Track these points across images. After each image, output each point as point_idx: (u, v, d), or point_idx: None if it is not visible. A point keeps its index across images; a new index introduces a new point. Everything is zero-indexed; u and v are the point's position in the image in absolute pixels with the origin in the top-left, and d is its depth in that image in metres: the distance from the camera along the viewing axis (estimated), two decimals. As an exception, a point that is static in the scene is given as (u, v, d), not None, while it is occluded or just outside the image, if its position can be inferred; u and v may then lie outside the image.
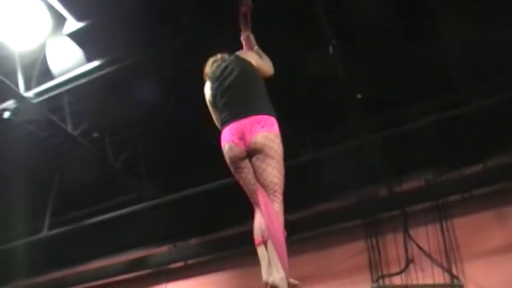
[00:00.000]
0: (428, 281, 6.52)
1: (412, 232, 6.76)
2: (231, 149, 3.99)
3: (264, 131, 3.87)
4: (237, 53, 4.40)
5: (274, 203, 3.83)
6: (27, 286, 9.41)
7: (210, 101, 4.32)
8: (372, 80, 6.12)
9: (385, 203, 6.92)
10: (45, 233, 8.11)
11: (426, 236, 6.73)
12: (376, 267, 6.89)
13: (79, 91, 6.29)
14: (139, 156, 7.52)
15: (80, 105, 6.66)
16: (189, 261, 7.98)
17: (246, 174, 4.05)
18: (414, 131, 6.35)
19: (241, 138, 3.92)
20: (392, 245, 6.88)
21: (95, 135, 7.11)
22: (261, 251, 3.88)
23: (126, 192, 7.85)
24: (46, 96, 6.21)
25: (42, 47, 5.99)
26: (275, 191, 3.85)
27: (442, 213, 6.82)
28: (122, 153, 7.34)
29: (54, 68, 6.06)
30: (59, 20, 5.56)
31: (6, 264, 8.60)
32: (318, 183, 6.90)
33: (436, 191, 6.72)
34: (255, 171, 3.95)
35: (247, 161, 3.97)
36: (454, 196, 6.81)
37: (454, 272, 6.45)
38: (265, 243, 3.84)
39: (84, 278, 8.95)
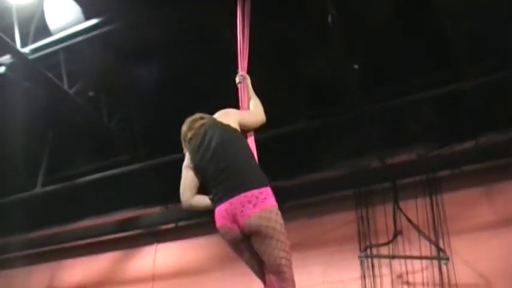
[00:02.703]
0: (415, 253, 6.61)
1: (401, 205, 6.82)
2: (225, 233, 3.68)
3: (257, 211, 3.49)
4: (215, 115, 3.98)
5: (282, 283, 3.54)
6: (19, 242, 9.49)
7: (187, 167, 3.89)
8: (369, 52, 6.11)
9: (376, 174, 6.97)
10: (38, 190, 8.16)
11: (415, 209, 6.80)
12: (364, 237, 6.98)
13: (76, 49, 6.26)
14: (134, 118, 7.51)
15: (76, 64, 6.63)
16: (180, 224, 8.05)
17: (247, 258, 3.78)
18: (409, 105, 6.37)
19: (234, 221, 3.59)
20: (382, 216, 6.96)
21: (91, 94, 7.10)
22: None
23: (119, 153, 7.88)
24: (42, 52, 6.17)
25: (40, 2, 5.93)
26: (281, 271, 3.55)
27: (432, 187, 6.88)
28: (117, 113, 7.34)
29: (51, 24, 6.01)
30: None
31: (-2, 219, 8.68)
32: (311, 153, 6.94)
33: (427, 166, 6.77)
34: (257, 253, 3.64)
35: (246, 242, 3.65)
36: (444, 171, 6.87)
37: (441, 245, 6.52)
38: None
39: (75, 235, 9.03)
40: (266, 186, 3.61)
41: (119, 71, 6.58)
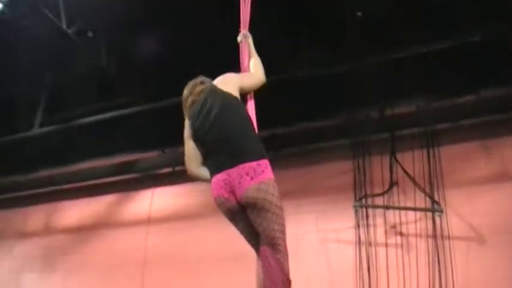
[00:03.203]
0: (410, 204, 6.66)
1: (398, 156, 6.83)
2: (222, 203, 3.71)
3: (255, 184, 3.52)
4: (215, 82, 3.92)
5: (276, 255, 3.62)
6: (16, 183, 9.53)
7: (189, 137, 3.89)
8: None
9: (375, 125, 6.93)
10: (36, 130, 8.15)
11: (412, 161, 6.81)
12: (360, 187, 7.01)
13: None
14: (134, 59, 7.43)
15: (75, 2, 6.51)
16: (177, 168, 8.05)
17: (242, 227, 3.82)
18: (411, 56, 6.30)
19: (231, 192, 3.63)
20: (378, 167, 6.98)
21: (90, 34, 7.00)
22: None
23: (118, 95, 7.82)
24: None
25: None
26: (275, 243, 3.62)
27: (430, 140, 6.88)
28: (116, 55, 7.25)
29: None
30: None
31: (-4, 159, 8.69)
32: (311, 101, 6.88)
33: (426, 118, 6.73)
34: (252, 224, 3.68)
35: (242, 213, 3.69)
36: (443, 124, 6.85)
37: (436, 198, 6.56)
38: None
39: (72, 178, 9.06)
40: (264, 158, 3.63)
41: (119, 10, 6.46)
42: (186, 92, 3.97)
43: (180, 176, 8.09)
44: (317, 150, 7.47)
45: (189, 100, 3.90)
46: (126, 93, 7.60)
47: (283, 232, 3.63)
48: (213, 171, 3.74)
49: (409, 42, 6.25)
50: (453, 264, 6.31)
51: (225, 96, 3.79)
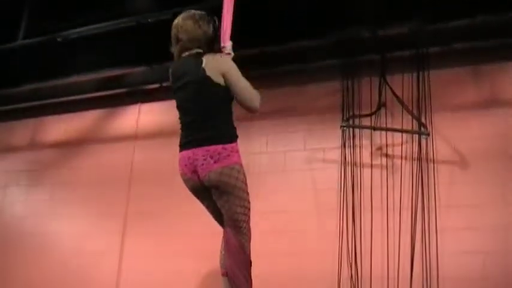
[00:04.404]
0: (397, 127, 6.67)
1: (388, 79, 6.77)
2: (186, 181, 3.80)
3: (218, 167, 3.59)
4: (208, 56, 3.85)
5: (238, 236, 3.69)
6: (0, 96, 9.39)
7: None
8: None
9: (366, 45, 6.81)
10: (19, 42, 7.96)
11: (401, 83, 6.76)
12: (348, 108, 6.99)
13: None
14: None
15: None
16: (165, 84, 7.97)
17: (207, 205, 3.90)
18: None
19: (194, 171, 3.69)
20: (367, 88, 6.93)
21: None
22: (224, 281, 3.83)
23: (105, 7, 7.60)
24: None
25: None
26: (237, 226, 3.69)
27: (420, 63, 6.81)
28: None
29: None
30: None
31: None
32: (301, 20, 6.75)
33: (418, 40, 6.64)
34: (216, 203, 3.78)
35: (206, 191, 3.77)
36: (435, 48, 6.76)
37: (423, 121, 6.56)
38: (227, 275, 3.77)
39: (57, 92, 8.92)
40: (232, 142, 3.71)
41: None
42: (175, 25, 4.05)
43: (167, 92, 8.00)
44: (306, 69, 7.38)
45: (177, 49, 4.00)
46: (114, 3, 7.39)
47: (246, 215, 3.73)
48: (182, 145, 3.87)
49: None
50: (436, 187, 6.39)
51: (208, 79, 3.76)
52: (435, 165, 6.48)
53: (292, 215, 6.98)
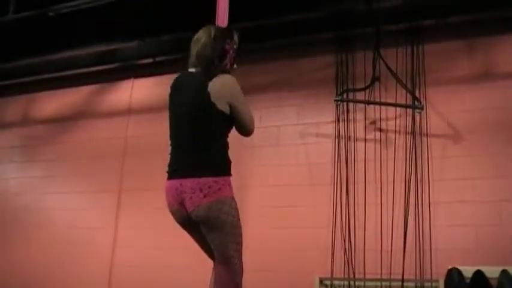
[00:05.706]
0: (391, 101, 6.67)
1: (382, 52, 6.72)
2: (173, 212, 3.54)
3: (207, 202, 3.29)
4: (214, 80, 3.52)
5: (230, 273, 3.41)
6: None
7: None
8: None
9: (360, 18, 6.76)
10: (10, 16, 7.86)
11: (395, 57, 6.75)
12: (342, 82, 6.98)
13: None
14: None
15: None
16: (158, 58, 7.93)
17: (197, 240, 3.65)
18: None
19: (181, 204, 3.42)
20: (361, 62, 6.91)
21: None
22: None
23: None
24: None
25: None
26: (228, 262, 3.42)
27: (414, 36, 6.79)
28: None
29: None
30: None
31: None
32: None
33: (413, 13, 6.60)
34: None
35: (195, 225, 3.47)
36: (429, 21, 6.74)
37: (417, 95, 6.56)
38: None
39: (50, 67, 8.84)
40: (224, 175, 3.42)
41: None
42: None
43: (160, 66, 8.01)
44: (300, 43, 7.34)
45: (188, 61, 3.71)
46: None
47: (238, 251, 3.47)
48: (169, 173, 3.59)
49: None
50: (429, 161, 6.42)
51: (213, 105, 3.46)
52: (428, 138, 6.51)
53: (286, 189, 7.01)
